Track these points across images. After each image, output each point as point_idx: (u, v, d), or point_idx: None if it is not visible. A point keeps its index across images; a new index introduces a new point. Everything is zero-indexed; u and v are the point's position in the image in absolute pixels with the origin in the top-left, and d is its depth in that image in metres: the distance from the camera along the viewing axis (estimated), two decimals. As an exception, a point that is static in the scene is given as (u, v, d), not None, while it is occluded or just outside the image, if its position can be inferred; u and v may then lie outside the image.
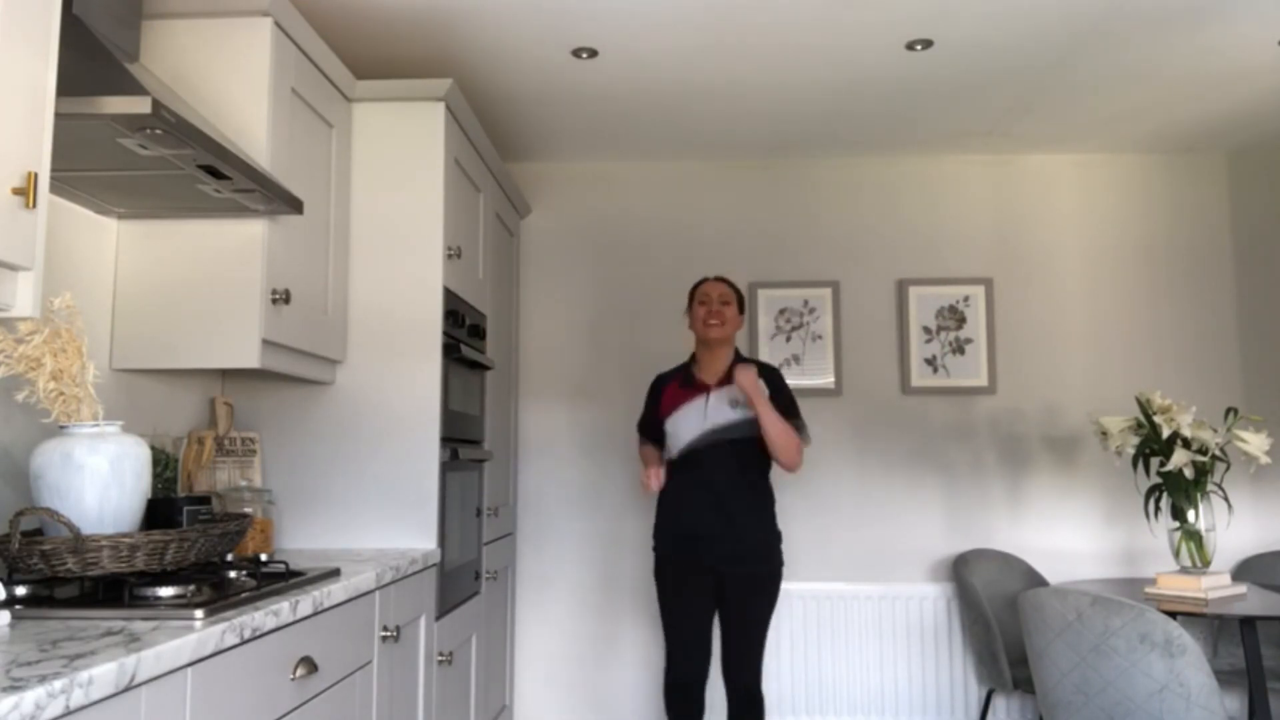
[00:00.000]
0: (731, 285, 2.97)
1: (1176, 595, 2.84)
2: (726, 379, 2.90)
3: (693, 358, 3.02)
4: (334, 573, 1.95)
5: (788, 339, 3.88)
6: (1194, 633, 3.53)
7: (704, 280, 3.00)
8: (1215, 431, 2.95)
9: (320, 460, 2.60)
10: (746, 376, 2.77)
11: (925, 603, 3.73)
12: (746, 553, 2.85)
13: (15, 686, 0.99)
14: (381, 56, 2.96)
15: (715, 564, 2.85)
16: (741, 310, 2.98)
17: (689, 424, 2.87)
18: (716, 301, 2.92)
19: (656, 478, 2.86)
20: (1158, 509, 3.03)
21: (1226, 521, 3.75)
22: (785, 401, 2.91)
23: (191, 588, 1.53)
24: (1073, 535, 3.80)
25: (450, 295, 2.74)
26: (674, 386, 2.98)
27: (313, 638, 1.73)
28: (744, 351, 3.85)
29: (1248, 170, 3.91)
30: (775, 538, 2.92)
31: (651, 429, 3.04)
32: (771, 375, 2.95)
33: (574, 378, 3.91)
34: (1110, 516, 3.80)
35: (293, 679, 1.63)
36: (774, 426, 2.79)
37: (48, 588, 1.56)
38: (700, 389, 2.91)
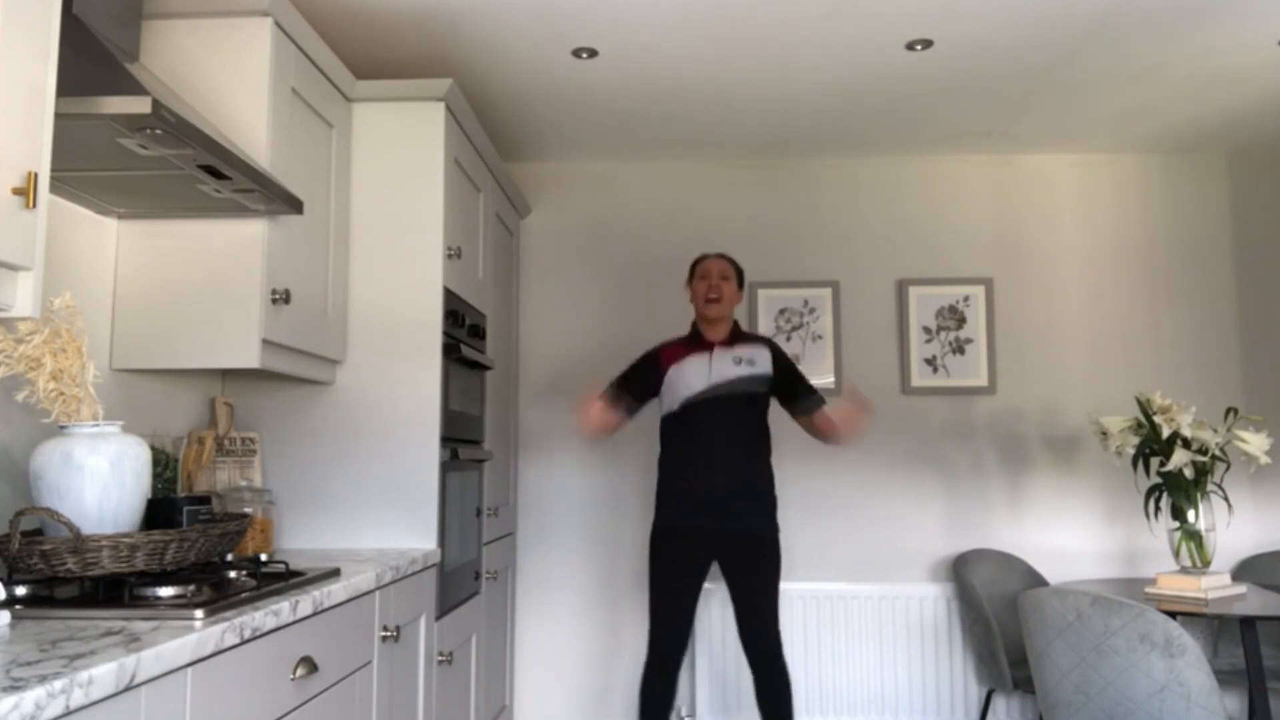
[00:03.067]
0: (731, 261, 3.06)
1: (1176, 595, 2.84)
2: (730, 340, 2.99)
3: (694, 327, 3.07)
4: (334, 573, 1.95)
5: (788, 339, 3.88)
6: (1194, 633, 3.53)
7: (705, 256, 3.08)
8: (1215, 431, 2.95)
9: (320, 460, 2.60)
10: (855, 417, 2.89)
11: (925, 603, 3.72)
12: (749, 512, 2.88)
13: (15, 686, 0.99)
14: (381, 56, 2.96)
15: (720, 531, 2.87)
16: (741, 286, 3.07)
17: (695, 376, 2.93)
18: (716, 277, 3.00)
19: (596, 414, 2.92)
20: (1158, 509, 3.03)
21: (1226, 521, 3.75)
22: (797, 374, 3.04)
23: (191, 588, 1.53)
24: (1073, 535, 3.80)
25: (450, 295, 2.74)
26: (678, 345, 3.04)
27: (313, 638, 1.73)
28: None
29: (1248, 170, 3.91)
30: (774, 497, 2.97)
31: (633, 383, 3.00)
32: (776, 350, 3.05)
33: (574, 378, 3.91)
34: (1110, 516, 3.80)
35: (293, 679, 1.63)
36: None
37: (48, 588, 1.56)
38: (705, 346, 2.98)
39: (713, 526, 2.88)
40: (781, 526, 3.79)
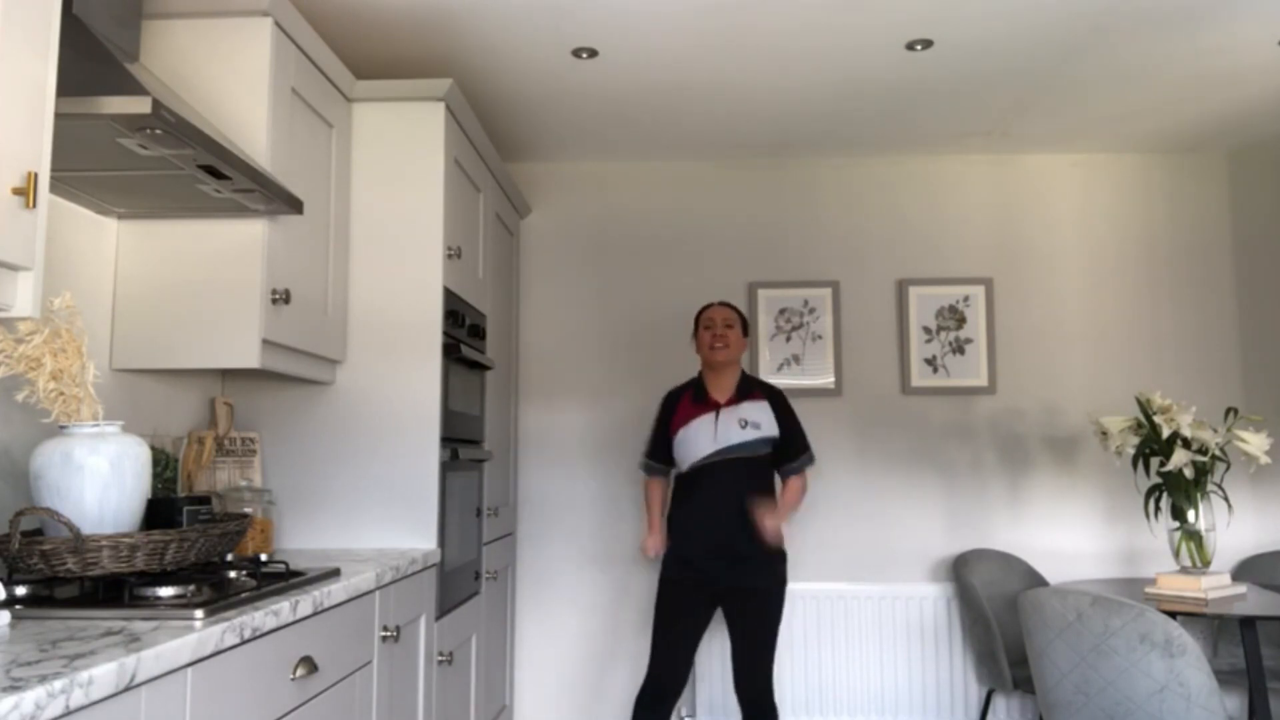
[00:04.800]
0: (735, 309, 3.09)
1: (1176, 595, 2.84)
2: (735, 398, 3.01)
3: (700, 375, 3.09)
4: (334, 573, 1.95)
5: (788, 339, 3.88)
6: (1194, 633, 3.53)
7: (709, 306, 3.11)
8: (1215, 431, 2.95)
9: (320, 460, 2.60)
10: (771, 525, 2.92)
11: (925, 603, 3.72)
12: (752, 572, 2.92)
13: (15, 686, 0.99)
14: (381, 56, 2.96)
15: (722, 584, 2.93)
16: (745, 333, 3.09)
17: (700, 440, 2.97)
18: (720, 326, 3.03)
19: (655, 546, 3.07)
20: (1158, 509, 3.03)
21: (1226, 521, 3.75)
22: (793, 430, 3.05)
23: (191, 588, 1.53)
24: (1073, 535, 3.80)
25: (450, 295, 2.74)
26: (686, 401, 3.07)
27: (313, 638, 1.73)
28: (745, 362, 3.85)
29: (1248, 170, 3.91)
30: (780, 555, 2.99)
31: (662, 450, 3.10)
32: (777, 399, 3.06)
33: (574, 378, 3.91)
34: (1110, 516, 3.80)
35: (293, 679, 1.63)
36: (795, 508, 3.08)
37: (48, 588, 1.56)
38: (711, 406, 3.00)
39: (719, 579, 2.93)
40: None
